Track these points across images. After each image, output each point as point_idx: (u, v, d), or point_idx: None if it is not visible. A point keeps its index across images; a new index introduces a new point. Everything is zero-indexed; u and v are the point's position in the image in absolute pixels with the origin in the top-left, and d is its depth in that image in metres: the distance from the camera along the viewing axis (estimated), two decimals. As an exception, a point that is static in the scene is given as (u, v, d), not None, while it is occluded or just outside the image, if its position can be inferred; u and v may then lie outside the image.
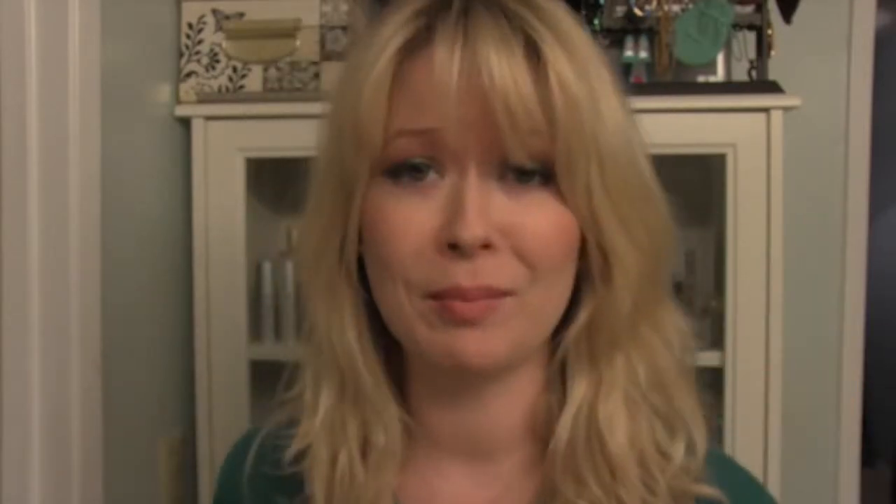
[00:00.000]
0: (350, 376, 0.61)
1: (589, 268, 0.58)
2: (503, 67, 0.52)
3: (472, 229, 0.52)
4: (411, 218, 0.55)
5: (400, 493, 0.62)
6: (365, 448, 0.62)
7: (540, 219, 0.55)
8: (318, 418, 0.62)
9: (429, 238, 0.55)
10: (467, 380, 0.60)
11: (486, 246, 0.53)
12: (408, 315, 0.56)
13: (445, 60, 0.53)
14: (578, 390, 0.60)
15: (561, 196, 0.56)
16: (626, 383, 0.60)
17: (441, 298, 0.54)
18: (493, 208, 0.54)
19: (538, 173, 0.55)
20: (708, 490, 0.59)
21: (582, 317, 0.59)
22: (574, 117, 0.54)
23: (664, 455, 0.59)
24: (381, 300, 0.58)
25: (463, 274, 0.54)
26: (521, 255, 0.55)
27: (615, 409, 0.59)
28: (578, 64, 0.54)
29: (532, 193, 0.55)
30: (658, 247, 0.59)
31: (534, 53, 0.54)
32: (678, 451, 0.59)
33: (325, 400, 0.62)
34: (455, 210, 0.54)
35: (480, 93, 0.52)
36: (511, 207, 0.55)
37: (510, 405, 0.61)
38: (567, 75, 0.53)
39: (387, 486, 0.61)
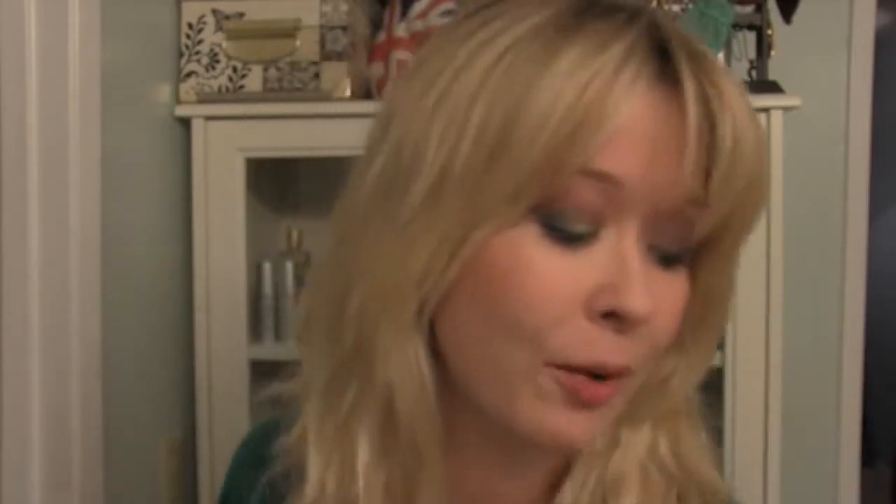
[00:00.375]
0: (411, 427, 0.52)
1: None
2: (750, 125, 0.47)
3: (643, 303, 0.46)
4: (563, 275, 0.47)
5: None
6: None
7: (678, 298, 0.50)
8: (360, 472, 0.54)
9: (579, 301, 0.47)
10: (529, 448, 0.54)
11: None
12: (517, 380, 0.48)
13: (696, 105, 0.45)
14: (593, 447, 0.55)
15: (692, 267, 0.51)
16: (644, 452, 0.55)
17: (572, 370, 0.47)
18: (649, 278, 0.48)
19: (684, 256, 0.50)
20: None
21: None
22: (762, 193, 0.49)
23: None
24: (474, 356, 0.50)
25: (609, 349, 0.47)
26: (652, 335, 0.48)
27: (628, 473, 0.54)
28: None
29: (675, 268, 0.50)
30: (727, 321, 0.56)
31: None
32: None
33: (365, 446, 0.54)
34: (621, 276, 0.46)
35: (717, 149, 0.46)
36: (658, 280, 0.48)
37: (545, 466, 0.57)
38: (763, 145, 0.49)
39: None
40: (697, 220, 0.48)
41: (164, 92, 1.31)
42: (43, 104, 0.96)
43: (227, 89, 1.33)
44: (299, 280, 1.42)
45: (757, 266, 1.26)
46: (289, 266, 1.41)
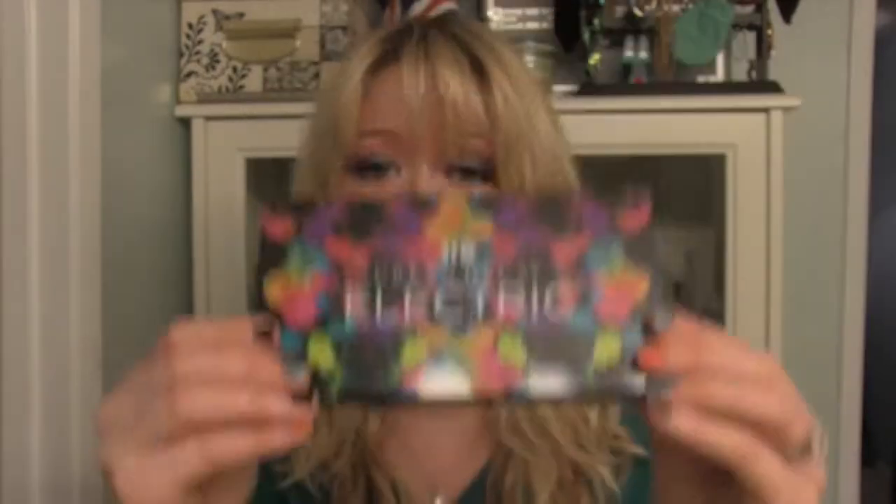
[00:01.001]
0: None
1: None
2: (455, 81, 0.66)
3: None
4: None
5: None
6: None
7: None
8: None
9: None
10: None
11: None
12: None
13: (410, 75, 0.66)
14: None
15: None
16: None
17: None
18: None
19: (480, 172, 0.68)
20: (635, 449, 0.73)
21: None
22: (512, 122, 0.67)
23: (585, 420, 0.73)
24: None
25: None
26: None
27: None
28: (515, 82, 0.68)
29: (474, 188, 0.67)
30: None
31: (480, 73, 0.67)
32: (592, 416, 0.73)
33: None
34: None
35: (436, 102, 0.66)
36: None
37: None
38: (507, 89, 0.67)
39: None
40: (478, 145, 0.69)
41: (164, 92, 1.31)
42: (43, 104, 0.96)
43: (227, 89, 1.33)
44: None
45: (757, 266, 1.26)
46: (289, 266, 1.41)
